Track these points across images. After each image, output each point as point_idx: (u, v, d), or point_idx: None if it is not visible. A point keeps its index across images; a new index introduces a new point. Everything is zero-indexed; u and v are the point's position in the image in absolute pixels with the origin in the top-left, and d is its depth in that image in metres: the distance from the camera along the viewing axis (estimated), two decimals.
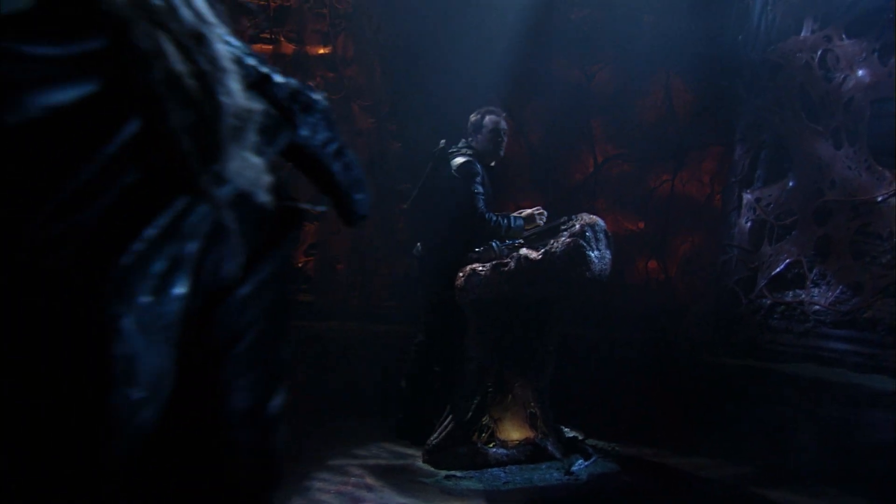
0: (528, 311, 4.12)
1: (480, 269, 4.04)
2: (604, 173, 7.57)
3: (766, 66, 6.61)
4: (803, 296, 6.40)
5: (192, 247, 1.44)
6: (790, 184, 6.55)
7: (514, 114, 7.34)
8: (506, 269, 3.96)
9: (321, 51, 7.26)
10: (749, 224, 6.79)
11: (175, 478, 1.58)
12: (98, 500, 1.42)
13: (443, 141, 5.41)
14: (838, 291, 6.20)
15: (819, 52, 6.33)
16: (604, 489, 4.05)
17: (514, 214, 5.08)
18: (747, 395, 6.19)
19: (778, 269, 6.56)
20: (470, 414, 4.20)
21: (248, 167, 1.58)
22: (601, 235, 4.10)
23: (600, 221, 4.17)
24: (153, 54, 1.34)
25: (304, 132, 1.86)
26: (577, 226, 4.03)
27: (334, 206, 1.96)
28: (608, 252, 4.15)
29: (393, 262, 7.22)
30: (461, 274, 4.14)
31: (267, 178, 1.66)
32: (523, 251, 4.05)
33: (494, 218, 4.93)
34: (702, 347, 6.75)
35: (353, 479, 4.05)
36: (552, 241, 4.04)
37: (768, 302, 6.60)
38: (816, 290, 6.33)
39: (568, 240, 3.98)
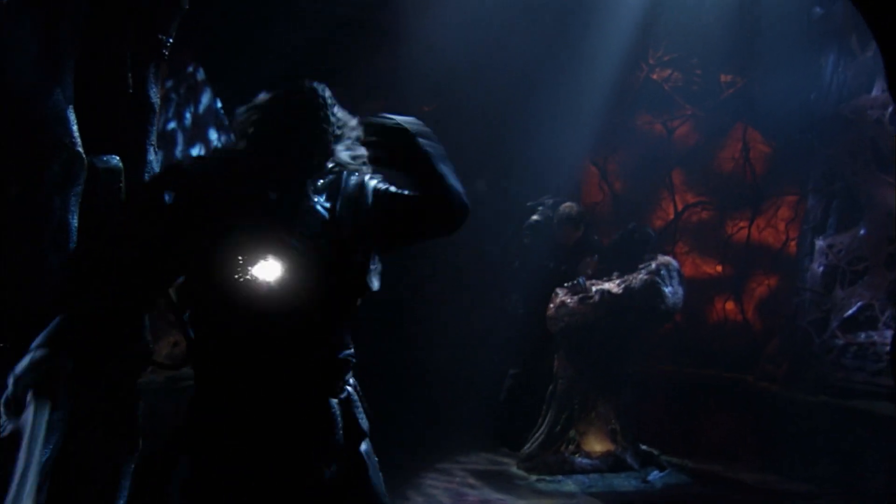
0: (610, 338, 4.72)
1: (569, 300, 4.68)
2: (684, 220, 8.10)
3: (839, 121, 7.07)
4: (875, 337, 6.76)
5: None
6: (861, 231, 6.96)
7: (600, 165, 7.99)
8: (591, 300, 4.59)
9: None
10: (821, 269, 7.20)
11: None
12: None
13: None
14: None
15: (890, 109, 6.77)
16: (676, 497, 4.58)
17: None
18: (820, 427, 6.56)
19: (850, 312, 6.94)
20: (559, 427, 4.80)
21: None
22: (675, 274, 4.70)
23: (674, 262, 4.77)
24: None
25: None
26: (654, 265, 4.64)
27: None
28: (681, 289, 4.74)
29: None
30: (552, 305, 4.79)
31: None
32: (606, 286, 4.67)
33: None
34: (776, 383, 7.15)
35: (457, 479, 4.70)
36: (631, 278, 4.66)
37: (841, 342, 6.97)
38: (889, 332, 6.69)
39: (645, 276, 4.59)
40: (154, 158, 2.85)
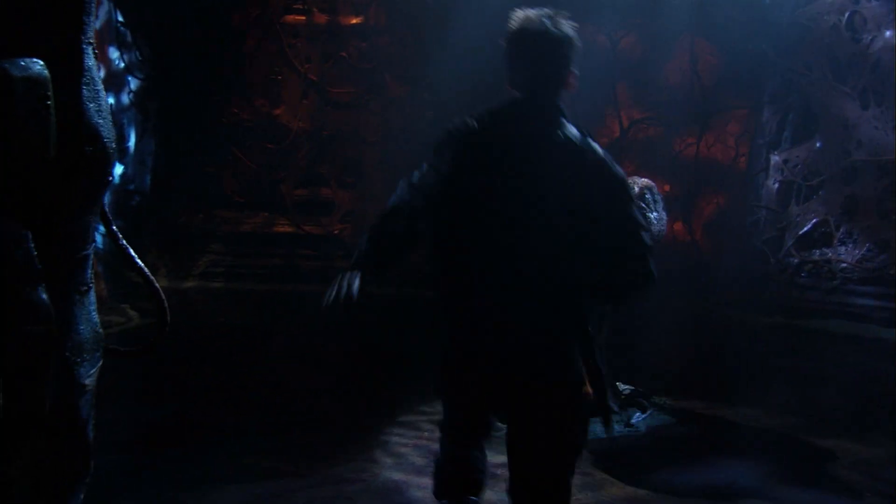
0: None
1: None
2: (630, 137, 7.68)
3: (795, 29, 6.71)
4: (830, 254, 6.57)
5: None
6: (817, 145, 6.69)
7: None
8: None
9: (353, 20, 7.31)
10: (777, 185, 6.94)
11: None
12: None
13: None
14: (865, 249, 6.37)
15: (847, 14, 6.44)
16: (664, 440, 4.23)
17: None
18: (779, 350, 6.37)
19: (805, 229, 6.73)
20: None
21: None
22: (658, 198, 4.25)
23: (653, 184, 4.30)
24: None
25: None
26: (636, 188, 4.16)
27: None
28: (665, 214, 4.29)
29: None
30: None
31: None
32: None
33: None
34: (731, 305, 6.92)
35: (426, 433, 4.23)
36: None
37: (796, 261, 6.77)
38: (843, 249, 6.50)
39: None
40: (94, 64, 1.92)
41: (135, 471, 3.60)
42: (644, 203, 4.10)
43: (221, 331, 6.70)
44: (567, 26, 2.58)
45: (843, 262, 6.47)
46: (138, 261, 2.13)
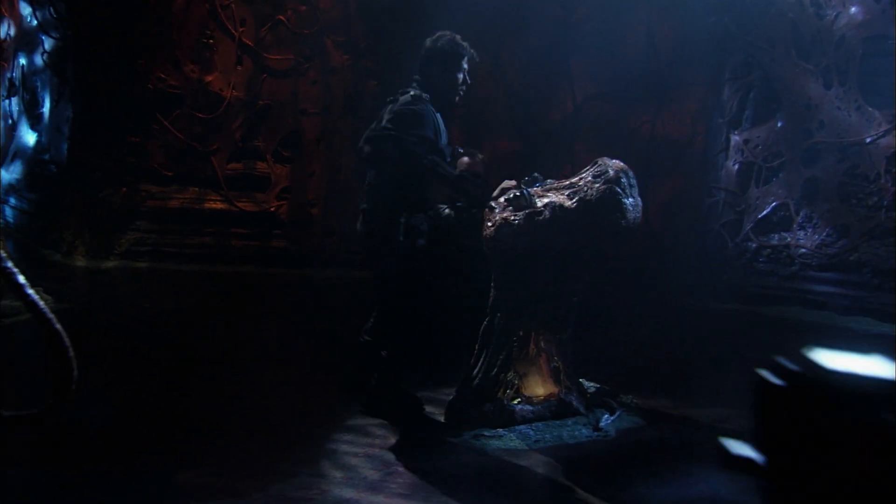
0: (556, 261, 3.89)
1: (513, 218, 3.77)
2: (583, 113, 7.33)
3: (758, 2, 6.43)
4: (789, 238, 6.36)
5: None
6: (779, 125, 6.45)
7: (491, 51, 7.00)
8: (540, 217, 3.70)
9: None
10: (736, 166, 6.69)
11: None
12: None
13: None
14: (825, 234, 6.17)
15: None
16: (636, 445, 3.91)
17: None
18: (738, 340, 6.16)
19: (765, 212, 6.50)
20: (495, 369, 3.98)
21: None
22: (634, 182, 3.89)
23: (628, 168, 3.94)
24: None
25: None
26: (611, 172, 3.79)
27: None
28: (640, 200, 3.94)
29: None
30: (489, 224, 3.86)
31: None
32: (557, 199, 3.79)
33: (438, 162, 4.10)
34: (688, 293, 6.67)
35: (377, 441, 3.80)
36: (584, 187, 3.80)
37: (754, 245, 6.55)
38: (803, 233, 6.30)
39: (602, 186, 3.74)
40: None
41: (48, 493, 3.11)
42: (620, 188, 3.73)
43: (146, 317, 6.16)
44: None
45: (803, 248, 6.27)
46: (30, 292, 1.61)
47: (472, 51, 4.54)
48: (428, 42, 4.53)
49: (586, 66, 7.28)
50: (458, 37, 4.53)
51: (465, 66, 4.49)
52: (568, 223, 3.72)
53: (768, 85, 6.49)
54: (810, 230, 6.25)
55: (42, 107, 7.31)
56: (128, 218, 6.83)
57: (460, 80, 4.48)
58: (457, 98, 4.57)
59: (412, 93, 4.33)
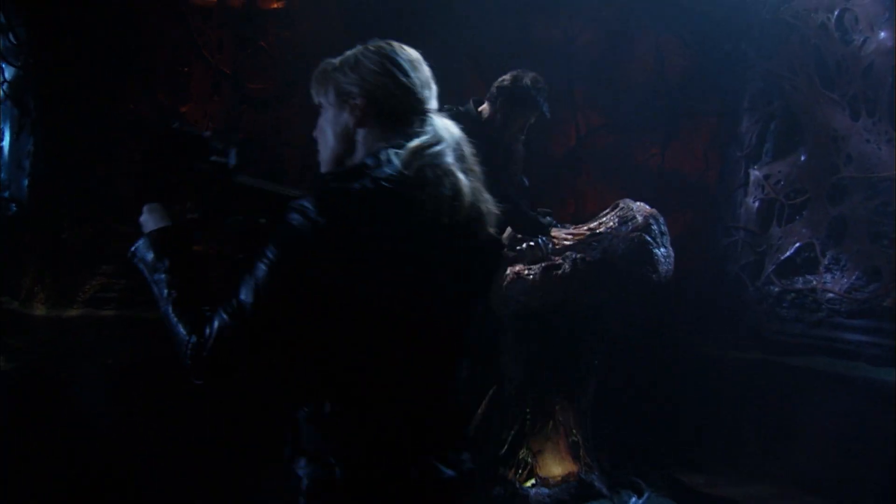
0: (573, 320, 3.34)
1: (527, 272, 3.23)
2: (588, 145, 6.84)
3: (778, 27, 5.97)
4: (815, 282, 5.84)
5: None
6: (802, 158, 5.97)
7: (490, 79, 6.51)
8: (559, 272, 3.16)
9: (274, 5, 6.25)
10: (756, 203, 6.19)
11: None
12: None
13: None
14: (854, 277, 5.66)
15: (836, 12, 5.73)
16: None
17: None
18: (762, 392, 5.64)
19: (788, 254, 6.00)
20: (506, 447, 3.41)
21: None
22: (665, 229, 3.36)
23: (658, 214, 3.41)
24: None
25: None
26: (639, 218, 3.26)
27: None
28: (672, 251, 3.40)
29: None
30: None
31: None
32: (575, 247, 3.26)
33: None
34: (702, 338, 6.14)
35: None
36: (610, 237, 3.26)
37: (777, 289, 6.03)
38: (830, 276, 5.78)
39: (631, 234, 3.21)
40: None
41: None
42: (650, 237, 3.20)
43: (112, 373, 5.56)
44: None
45: (830, 292, 5.75)
46: None
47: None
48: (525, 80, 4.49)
49: (591, 95, 6.81)
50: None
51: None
52: (590, 278, 3.18)
53: (790, 116, 6.02)
54: (838, 273, 5.74)
55: (1, 140, 6.76)
56: (93, 261, 6.25)
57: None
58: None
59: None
